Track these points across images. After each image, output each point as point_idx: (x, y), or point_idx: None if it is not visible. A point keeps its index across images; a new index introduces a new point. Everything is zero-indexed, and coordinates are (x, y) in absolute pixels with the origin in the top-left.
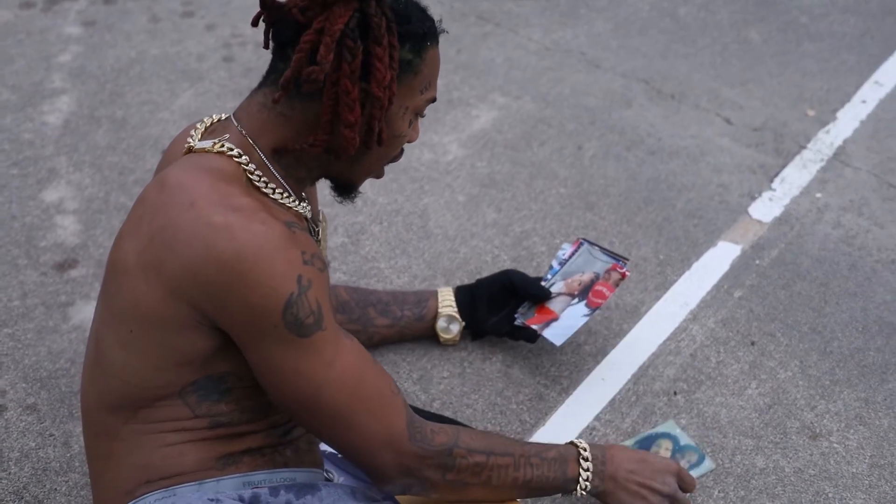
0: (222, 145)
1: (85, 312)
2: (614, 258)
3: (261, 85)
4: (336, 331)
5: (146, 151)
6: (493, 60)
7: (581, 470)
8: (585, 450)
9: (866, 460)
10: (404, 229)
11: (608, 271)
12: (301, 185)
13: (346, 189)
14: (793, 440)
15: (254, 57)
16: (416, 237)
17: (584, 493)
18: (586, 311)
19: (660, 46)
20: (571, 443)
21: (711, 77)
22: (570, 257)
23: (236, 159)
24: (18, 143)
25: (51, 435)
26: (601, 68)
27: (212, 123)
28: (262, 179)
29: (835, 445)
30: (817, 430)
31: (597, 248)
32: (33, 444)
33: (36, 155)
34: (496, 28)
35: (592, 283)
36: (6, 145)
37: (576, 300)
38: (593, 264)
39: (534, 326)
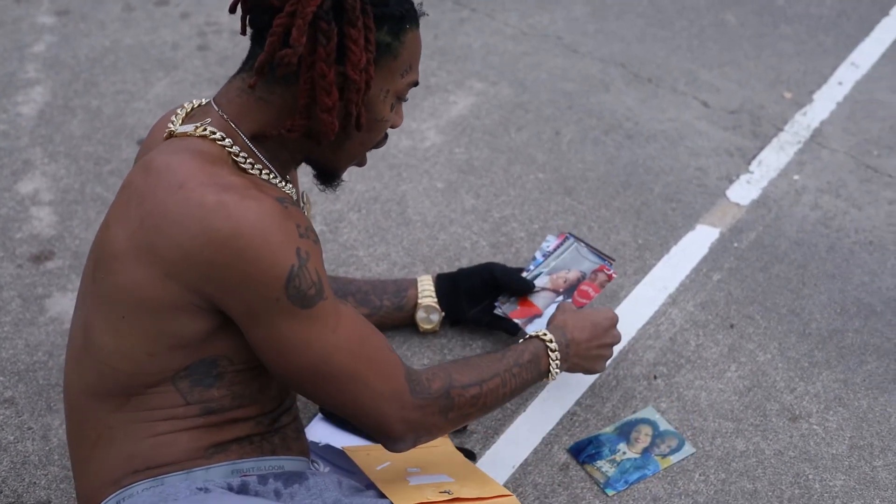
0: (204, 129)
1: (62, 304)
2: (601, 258)
3: (240, 70)
4: (334, 298)
5: (122, 141)
6: (470, 46)
7: (551, 361)
8: (552, 341)
9: (846, 441)
10: (383, 216)
11: (595, 272)
12: (285, 168)
13: (328, 176)
14: (773, 422)
15: (229, 45)
16: (395, 224)
17: (554, 378)
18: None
19: (637, 30)
20: (536, 336)
21: (688, 60)
22: (554, 250)
23: (219, 142)
24: None
25: (29, 428)
26: (578, 53)
27: (192, 109)
28: (247, 161)
29: (814, 427)
30: (797, 412)
31: (584, 245)
32: (11, 438)
33: (10, 146)
34: (473, 13)
35: (578, 281)
36: None
37: (560, 297)
38: (581, 263)
39: (516, 320)
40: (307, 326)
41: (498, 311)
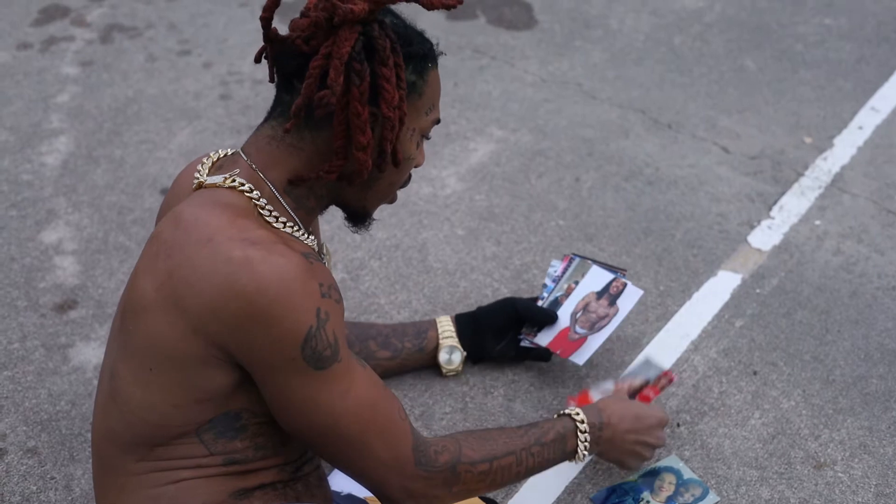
0: (233, 180)
1: (85, 354)
2: (611, 271)
3: (267, 118)
4: (350, 360)
5: (145, 191)
6: (489, 93)
7: (579, 442)
8: (583, 422)
9: (871, 489)
10: (404, 264)
11: (659, 377)
12: (311, 215)
13: (359, 217)
14: (797, 470)
15: (251, 94)
16: (416, 272)
17: (581, 460)
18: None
19: (656, 76)
20: (567, 415)
21: (708, 106)
22: (562, 273)
23: (247, 194)
24: (17, 185)
25: (52, 478)
26: (598, 99)
27: (218, 159)
28: (272, 214)
29: (839, 475)
30: (822, 460)
31: (589, 261)
32: (34, 488)
33: (34, 196)
34: (492, 61)
35: (642, 385)
36: (5, 187)
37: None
38: (648, 370)
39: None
40: (319, 388)
41: (525, 343)
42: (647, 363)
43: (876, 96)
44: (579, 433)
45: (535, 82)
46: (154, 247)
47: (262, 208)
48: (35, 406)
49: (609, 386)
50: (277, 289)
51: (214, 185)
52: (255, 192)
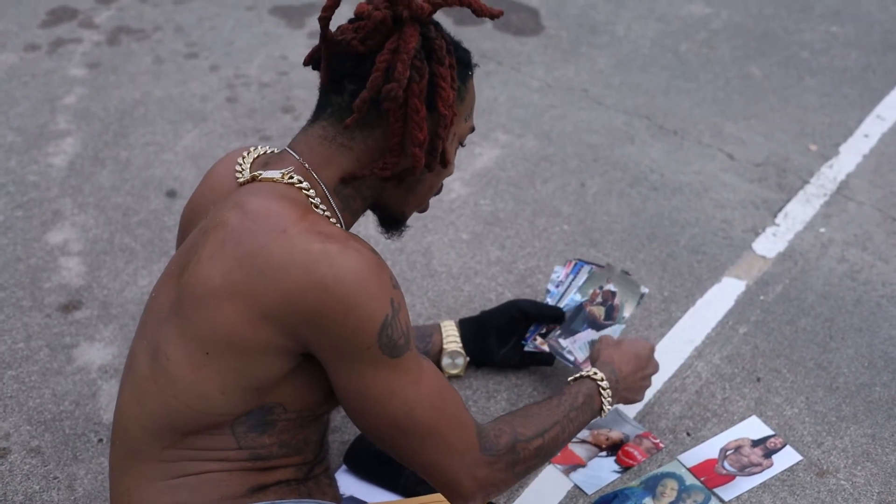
0: (291, 176)
1: (89, 354)
2: (598, 265)
3: (314, 119)
4: (417, 351)
5: (150, 192)
6: (495, 99)
7: (603, 399)
8: (603, 380)
9: (874, 497)
10: (408, 268)
11: (639, 436)
12: (354, 218)
13: (394, 222)
14: (800, 477)
15: (257, 97)
16: (420, 275)
17: (606, 415)
18: (616, 467)
19: (661, 83)
20: (586, 377)
21: (713, 112)
22: (565, 278)
23: (305, 191)
24: (23, 185)
25: (55, 478)
26: (603, 105)
27: (259, 156)
28: (325, 213)
29: (842, 482)
30: (824, 467)
31: (593, 265)
32: (37, 488)
33: (41, 197)
34: (499, 66)
35: (622, 442)
36: (11, 187)
37: (604, 453)
38: (623, 426)
39: (558, 467)
40: (393, 376)
41: (529, 348)
42: (618, 415)
43: (882, 104)
44: (602, 391)
45: (541, 88)
46: (219, 234)
47: (317, 206)
48: (39, 406)
49: (585, 434)
50: (355, 279)
51: (271, 180)
52: (311, 191)
